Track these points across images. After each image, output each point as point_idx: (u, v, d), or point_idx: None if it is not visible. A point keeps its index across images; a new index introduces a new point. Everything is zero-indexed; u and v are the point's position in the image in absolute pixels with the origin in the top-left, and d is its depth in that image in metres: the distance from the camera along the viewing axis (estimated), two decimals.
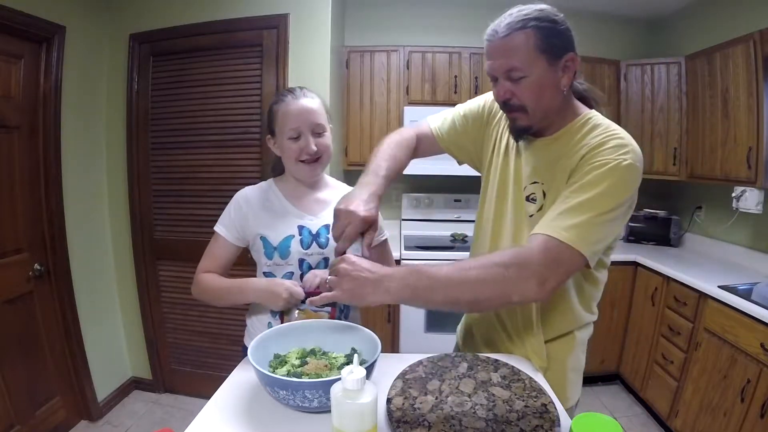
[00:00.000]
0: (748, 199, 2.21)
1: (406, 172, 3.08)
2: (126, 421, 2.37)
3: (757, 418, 1.68)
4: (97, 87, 2.38)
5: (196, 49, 2.31)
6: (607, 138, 0.86)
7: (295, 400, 0.75)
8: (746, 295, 1.87)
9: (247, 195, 1.18)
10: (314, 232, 1.14)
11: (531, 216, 0.98)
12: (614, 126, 0.91)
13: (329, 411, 0.66)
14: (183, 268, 2.42)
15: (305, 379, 0.80)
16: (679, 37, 2.89)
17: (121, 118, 2.41)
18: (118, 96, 2.40)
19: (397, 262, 2.22)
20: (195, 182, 2.39)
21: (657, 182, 2.82)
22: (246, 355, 0.85)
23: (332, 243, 0.96)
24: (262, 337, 0.90)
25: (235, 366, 0.98)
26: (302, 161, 1.12)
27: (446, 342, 1.33)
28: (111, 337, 2.54)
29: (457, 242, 2.84)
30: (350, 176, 2.54)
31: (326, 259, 1.14)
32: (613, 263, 2.68)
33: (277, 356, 0.91)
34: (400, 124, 2.72)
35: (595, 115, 0.94)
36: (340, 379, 0.64)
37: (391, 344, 2.58)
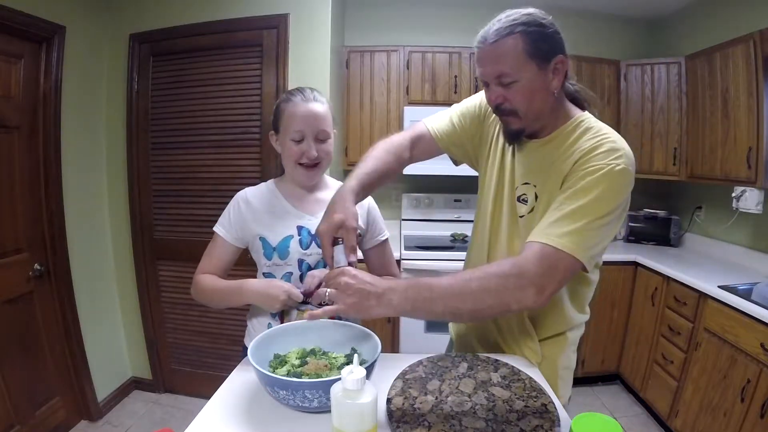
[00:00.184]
0: (748, 199, 2.21)
1: (406, 172, 3.06)
2: (126, 421, 2.37)
3: (757, 418, 1.68)
4: (97, 87, 2.38)
5: (196, 49, 2.31)
6: (600, 142, 0.87)
7: (295, 400, 0.75)
8: (746, 295, 1.87)
9: (246, 196, 1.18)
10: (313, 232, 1.14)
11: (522, 216, 0.99)
12: (606, 129, 0.91)
13: (329, 411, 0.66)
14: (183, 268, 2.42)
15: (305, 379, 0.80)
16: (679, 37, 2.89)
17: (121, 118, 2.41)
18: (118, 96, 2.40)
19: (397, 262, 2.22)
20: (195, 182, 2.39)
21: (657, 182, 2.83)
22: (246, 355, 0.85)
23: None
24: (262, 337, 0.90)
25: (235, 366, 0.98)
26: (301, 164, 1.12)
27: (446, 342, 1.33)
28: (111, 337, 2.54)
29: (457, 242, 2.84)
30: None
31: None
32: (613, 263, 2.71)
33: (277, 356, 0.91)
34: (400, 124, 2.72)
35: (587, 118, 0.95)
36: (340, 379, 0.64)
37: (391, 344, 2.58)
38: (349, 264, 0.83)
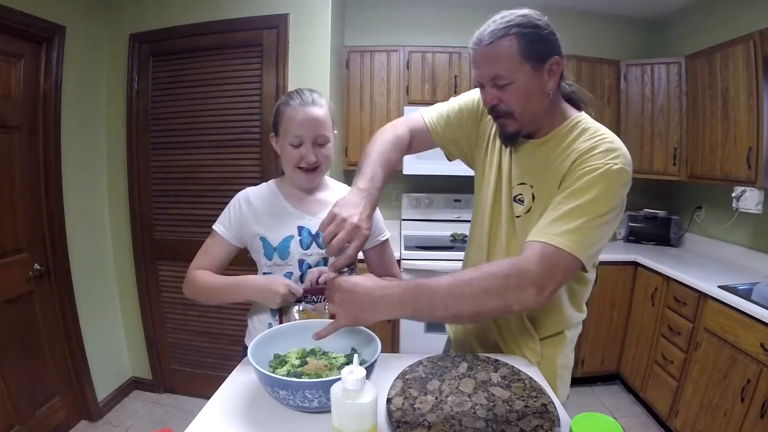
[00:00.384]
0: (748, 199, 2.21)
1: (406, 172, 3.05)
2: (126, 421, 2.37)
3: (757, 418, 1.68)
4: (97, 87, 2.38)
5: (196, 49, 2.31)
6: (597, 142, 0.87)
7: (295, 400, 0.75)
8: (746, 295, 1.87)
9: (248, 195, 1.18)
10: (314, 232, 1.14)
11: (518, 217, 0.99)
12: (602, 129, 0.92)
13: (329, 411, 0.66)
14: (183, 268, 2.36)
15: (305, 379, 0.80)
16: (679, 37, 2.89)
17: (121, 118, 2.41)
18: (118, 96, 2.40)
19: (398, 262, 2.22)
20: (195, 182, 2.39)
21: (657, 182, 2.83)
22: (246, 354, 0.85)
23: None
24: (262, 337, 0.90)
25: (235, 366, 0.98)
26: (300, 168, 1.12)
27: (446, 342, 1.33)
28: (111, 337, 2.54)
29: (457, 242, 2.85)
30: (350, 176, 2.53)
31: (326, 260, 1.14)
32: (613, 263, 2.71)
33: (277, 356, 0.91)
34: None
35: (584, 118, 0.95)
36: (340, 379, 0.64)
37: (391, 344, 2.58)
38: (351, 267, 0.83)
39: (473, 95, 1.10)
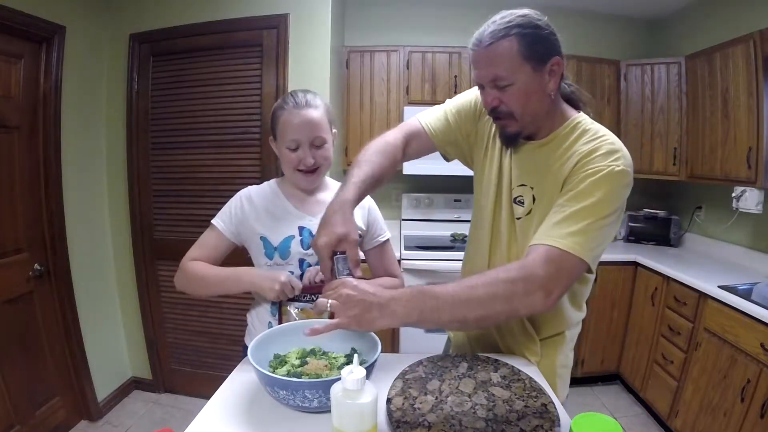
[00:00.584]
0: (748, 199, 2.21)
1: (406, 172, 3.04)
2: (126, 421, 2.37)
3: (757, 418, 1.68)
4: (97, 87, 2.38)
5: (196, 49, 2.31)
6: (598, 144, 0.87)
7: (295, 400, 0.75)
8: (746, 295, 1.87)
9: (250, 194, 1.18)
10: (314, 232, 1.14)
11: (518, 218, 0.99)
12: (602, 130, 0.92)
13: (329, 411, 0.66)
14: None
15: (305, 379, 0.80)
16: (679, 37, 2.89)
17: (121, 118, 2.41)
18: (118, 96, 2.40)
19: (398, 262, 2.22)
20: (195, 182, 2.39)
21: (657, 182, 2.83)
22: (246, 354, 0.85)
23: None
24: (262, 337, 0.90)
25: (235, 366, 0.98)
26: (300, 170, 1.12)
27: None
28: (111, 337, 2.54)
29: (457, 242, 2.85)
30: None
31: None
32: (613, 263, 2.71)
33: (277, 356, 0.91)
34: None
35: (583, 119, 0.95)
36: (340, 379, 0.64)
37: (391, 344, 2.58)
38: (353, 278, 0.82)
39: (470, 95, 1.09)
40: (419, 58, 2.76)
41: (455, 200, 3.06)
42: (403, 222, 3.10)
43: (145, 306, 2.54)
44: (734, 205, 2.31)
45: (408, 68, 2.76)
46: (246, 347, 1.11)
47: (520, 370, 0.91)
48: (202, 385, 2.44)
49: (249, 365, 0.82)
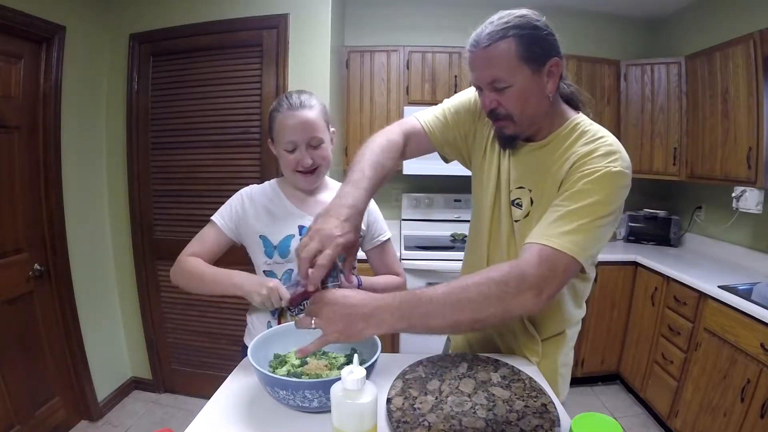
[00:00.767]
0: (748, 199, 2.21)
1: (406, 172, 3.04)
2: (126, 421, 2.37)
3: (757, 418, 1.68)
4: (97, 87, 2.38)
5: (196, 49, 2.31)
6: (597, 146, 0.86)
7: (295, 400, 0.75)
8: (746, 295, 1.87)
9: (251, 193, 1.18)
10: None
11: (516, 221, 0.98)
12: (602, 131, 0.90)
13: (329, 411, 0.66)
14: None
15: (305, 379, 0.80)
16: (679, 37, 2.89)
17: (121, 118, 2.41)
18: (118, 96, 2.40)
19: None
20: (195, 182, 2.39)
21: (657, 182, 2.83)
22: (246, 354, 0.85)
23: None
24: (262, 337, 0.91)
25: (235, 366, 0.98)
26: (299, 171, 1.12)
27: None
28: (111, 337, 2.54)
29: (457, 242, 2.84)
30: None
31: None
32: (613, 263, 2.71)
33: (277, 356, 0.91)
34: None
35: (582, 120, 0.94)
36: (340, 379, 0.64)
37: (391, 344, 2.58)
38: (334, 280, 0.79)
39: (469, 94, 1.08)
40: (419, 58, 2.76)
41: (455, 200, 3.06)
42: (403, 222, 3.10)
43: (145, 306, 2.54)
44: (734, 205, 2.31)
45: (408, 68, 2.76)
46: (246, 347, 1.11)
47: (520, 370, 0.91)
48: (202, 385, 2.44)
49: (249, 365, 0.82)
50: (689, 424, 2.06)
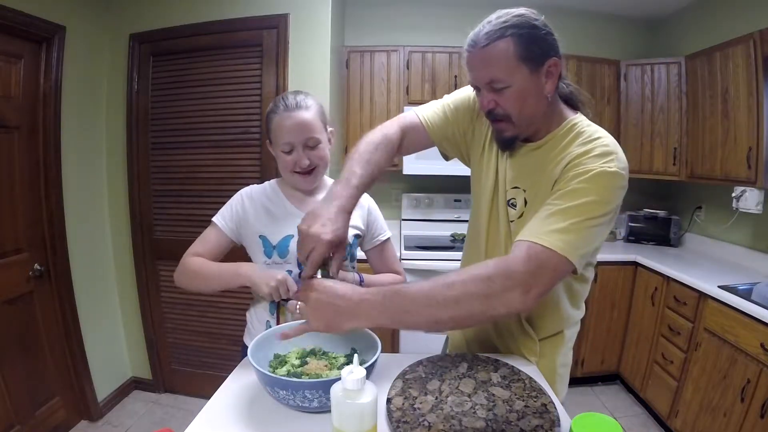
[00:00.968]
0: (748, 199, 2.21)
1: (406, 172, 3.03)
2: (126, 421, 2.37)
3: (757, 418, 1.68)
4: (97, 87, 2.38)
5: (196, 49, 2.31)
6: (593, 146, 0.85)
7: (295, 400, 0.75)
8: (746, 295, 1.87)
9: (251, 193, 1.19)
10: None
11: (512, 221, 0.98)
12: (599, 132, 0.89)
13: (329, 411, 0.66)
14: None
15: (305, 379, 0.80)
16: (679, 37, 2.89)
17: (121, 118, 2.41)
18: (118, 96, 2.40)
19: None
20: (195, 182, 2.39)
21: (657, 182, 2.83)
22: (246, 353, 0.85)
23: None
24: (262, 336, 0.91)
25: (235, 366, 0.98)
26: (297, 172, 1.12)
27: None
28: (111, 337, 2.54)
29: (457, 242, 2.84)
30: None
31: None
32: (613, 263, 2.71)
33: (277, 356, 0.91)
34: None
35: (580, 121, 0.93)
36: (340, 379, 0.64)
37: (391, 344, 2.58)
38: (326, 273, 0.80)
39: (468, 91, 1.07)
40: (419, 58, 2.76)
41: (455, 200, 3.06)
42: (403, 222, 3.10)
43: (145, 306, 2.54)
44: (734, 205, 2.31)
45: (408, 68, 2.76)
46: (245, 346, 1.12)
47: (520, 370, 0.91)
48: (202, 385, 2.44)
49: (249, 365, 0.82)
50: (689, 424, 2.06)
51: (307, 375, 0.84)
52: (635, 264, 2.59)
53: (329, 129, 1.17)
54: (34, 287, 2.04)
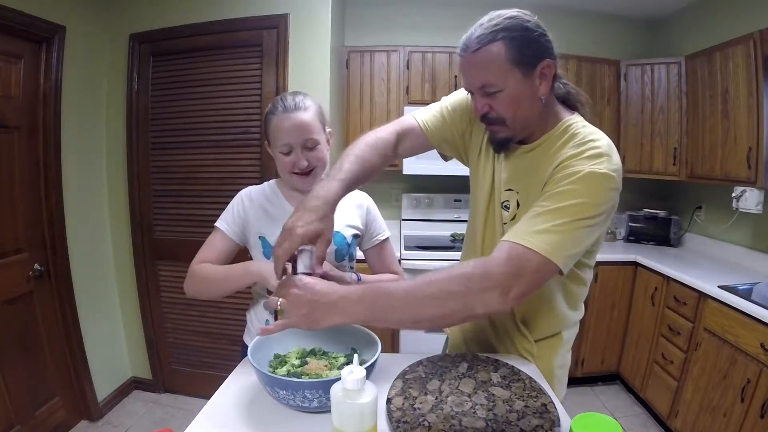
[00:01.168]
0: (748, 199, 2.21)
1: (406, 172, 3.03)
2: (126, 421, 2.37)
3: (757, 418, 1.68)
4: (97, 87, 2.38)
5: (196, 49, 2.31)
6: (585, 148, 0.83)
7: (295, 400, 0.75)
8: (746, 295, 1.87)
9: (250, 194, 1.19)
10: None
11: (505, 224, 0.97)
12: (595, 134, 0.87)
13: (329, 411, 0.66)
14: (183, 268, 2.36)
15: (305, 379, 0.80)
16: (679, 37, 2.89)
17: (121, 118, 2.41)
18: (118, 96, 2.40)
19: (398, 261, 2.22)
20: (195, 182, 2.39)
21: (657, 182, 2.83)
22: (246, 352, 0.85)
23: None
24: (262, 337, 0.90)
25: (235, 366, 0.98)
26: (295, 173, 1.12)
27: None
28: (111, 337, 2.54)
29: (457, 242, 2.85)
30: None
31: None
32: (613, 263, 2.71)
33: (277, 356, 0.91)
34: None
35: (575, 122, 0.91)
36: (340, 379, 0.64)
37: (391, 344, 2.58)
38: (311, 275, 0.79)
39: (465, 93, 1.05)
40: (419, 58, 2.76)
41: (455, 200, 3.06)
42: (403, 222, 3.10)
43: (145, 306, 2.54)
44: (734, 205, 2.31)
45: (408, 68, 2.76)
46: (245, 346, 1.12)
47: (520, 370, 0.91)
48: (202, 385, 2.44)
49: (249, 365, 0.82)
50: (689, 424, 2.06)
51: (307, 375, 0.84)
52: (635, 264, 2.59)
53: (328, 130, 1.17)
54: (34, 287, 2.04)
